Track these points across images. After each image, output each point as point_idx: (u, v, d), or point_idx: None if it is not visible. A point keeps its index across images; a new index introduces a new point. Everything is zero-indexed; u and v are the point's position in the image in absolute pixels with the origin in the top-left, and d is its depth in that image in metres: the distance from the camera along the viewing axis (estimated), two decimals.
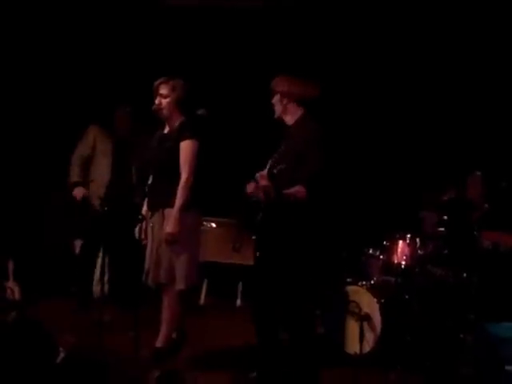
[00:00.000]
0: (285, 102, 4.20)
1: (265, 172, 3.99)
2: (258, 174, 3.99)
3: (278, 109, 4.25)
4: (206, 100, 4.48)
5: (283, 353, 4.15)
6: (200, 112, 4.39)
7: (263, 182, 3.93)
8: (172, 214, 4.30)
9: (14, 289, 4.82)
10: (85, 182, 5.62)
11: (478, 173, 5.25)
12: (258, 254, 4.19)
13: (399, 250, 5.07)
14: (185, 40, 6.28)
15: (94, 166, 5.66)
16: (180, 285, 4.37)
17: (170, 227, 4.28)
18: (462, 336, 4.60)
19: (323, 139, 4.07)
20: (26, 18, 6.08)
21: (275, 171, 3.94)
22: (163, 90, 4.40)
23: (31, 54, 6.17)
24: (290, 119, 4.24)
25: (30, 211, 6.21)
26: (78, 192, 5.57)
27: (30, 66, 6.18)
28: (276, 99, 4.24)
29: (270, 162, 4.14)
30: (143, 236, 4.49)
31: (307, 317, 4.14)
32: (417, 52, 6.08)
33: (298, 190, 3.93)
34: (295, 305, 4.06)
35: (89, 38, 6.24)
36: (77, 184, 5.59)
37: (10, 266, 4.92)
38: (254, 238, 4.25)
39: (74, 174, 5.62)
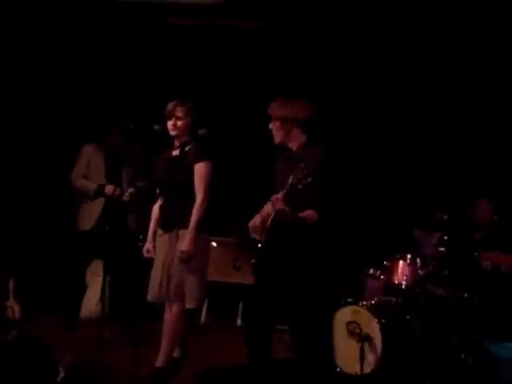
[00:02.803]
0: (287, 127, 4.12)
1: (280, 196, 3.90)
2: (273, 197, 3.92)
3: (279, 135, 4.15)
4: (210, 120, 4.54)
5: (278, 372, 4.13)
6: (201, 132, 4.46)
7: (279, 206, 3.87)
8: (186, 234, 4.35)
9: (14, 308, 4.80)
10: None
11: (487, 199, 5.25)
12: (259, 276, 4.18)
13: (400, 270, 5.06)
14: (188, 59, 6.31)
15: None
16: (190, 304, 4.41)
17: (185, 246, 4.33)
18: (463, 356, 4.59)
19: (332, 164, 4.01)
20: (26, 36, 6.09)
21: (300, 186, 3.79)
22: (179, 113, 4.45)
23: (30, 69, 6.18)
24: (293, 145, 4.17)
25: (31, 228, 6.21)
26: (110, 189, 5.56)
27: (28, 83, 6.20)
28: (276, 125, 4.15)
29: (289, 181, 3.91)
30: (151, 254, 4.56)
31: (311, 338, 4.12)
32: (415, 73, 6.10)
33: (309, 214, 3.91)
34: (302, 327, 4.04)
35: (88, 56, 6.27)
36: (101, 186, 5.59)
37: (11, 284, 4.91)
38: (252, 261, 4.24)
39: (88, 183, 5.64)
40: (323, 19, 5.93)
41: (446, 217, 5.10)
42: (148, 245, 4.61)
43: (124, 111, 5.93)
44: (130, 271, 5.11)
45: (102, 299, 5.38)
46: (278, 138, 4.18)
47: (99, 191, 5.61)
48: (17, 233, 5.94)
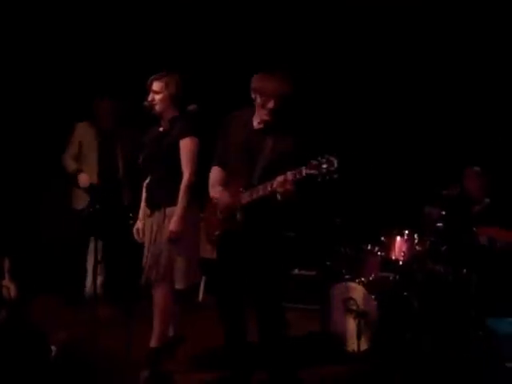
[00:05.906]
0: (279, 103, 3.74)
1: (289, 177, 3.63)
2: (281, 178, 3.64)
3: (274, 114, 3.78)
4: (200, 95, 4.42)
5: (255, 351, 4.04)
6: (190, 108, 4.35)
7: (288, 187, 3.64)
8: (174, 212, 4.26)
9: (9, 287, 4.80)
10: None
11: (476, 168, 5.17)
12: (223, 248, 4.02)
13: (397, 246, 5.02)
14: (177, 33, 6.21)
15: (81, 162, 5.75)
16: (179, 284, 4.33)
17: (173, 225, 4.24)
18: (462, 333, 4.55)
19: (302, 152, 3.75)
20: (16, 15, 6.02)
21: (320, 179, 3.49)
22: (156, 87, 4.35)
23: (17, 52, 6.10)
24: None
25: (26, 209, 6.18)
26: (84, 179, 5.65)
27: (18, 61, 6.10)
28: (272, 103, 3.76)
29: (304, 171, 3.57)
30: (141, 235, 4.49)
31: (281, 315, 4.04)
32: (415, 52, 6.02)
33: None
34: (271, 303, 3.97)
35: (79, 33, 6.17)
36: (78, 171, 5.66)
37: (6, 264, 4.90)
38: (216, 233, 4.00)
39: (71, 164, 5.71)
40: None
41: (446, 192, 5.03)
42: (139, 224, 4.53)
43: (108, 88, 5.88)
44: (124, 251, 5.08)
45: (94, 278, 5.36)
46: (274, 117, 3.84)
47: (73, 177, 5.65)
48: (11, 212, 5.92)
